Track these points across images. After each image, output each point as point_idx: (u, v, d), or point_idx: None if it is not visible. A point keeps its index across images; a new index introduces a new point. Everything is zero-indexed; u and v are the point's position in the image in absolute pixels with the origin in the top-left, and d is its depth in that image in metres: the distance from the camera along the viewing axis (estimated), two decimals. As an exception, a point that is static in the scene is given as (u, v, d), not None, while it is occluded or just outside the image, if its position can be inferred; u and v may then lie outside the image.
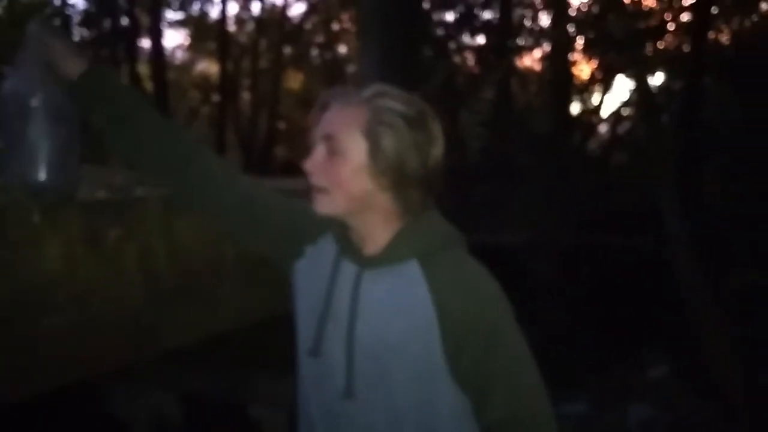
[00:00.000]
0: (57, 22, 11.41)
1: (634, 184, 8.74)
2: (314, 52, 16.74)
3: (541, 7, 10.49)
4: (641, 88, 6.62)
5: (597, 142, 11.52)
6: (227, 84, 14.66)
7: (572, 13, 8.87)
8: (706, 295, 5.00)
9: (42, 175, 1.23)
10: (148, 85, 12.83)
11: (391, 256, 1.15)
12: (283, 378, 2.57)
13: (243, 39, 16.38)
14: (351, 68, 15.88)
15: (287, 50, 16.08)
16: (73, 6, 11.97)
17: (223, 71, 14.51)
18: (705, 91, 8.57)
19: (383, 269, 1.15)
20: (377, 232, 1.17)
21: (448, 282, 1.13)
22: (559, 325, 6.20)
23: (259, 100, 15.60)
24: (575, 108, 10.55)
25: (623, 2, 7.50)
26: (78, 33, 11.58)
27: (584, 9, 8.72)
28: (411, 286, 1.13)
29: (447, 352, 1.11)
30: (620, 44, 6.77)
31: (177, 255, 1.55)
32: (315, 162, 1.14)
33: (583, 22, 8.50)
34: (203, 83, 16.90)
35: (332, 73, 15.61)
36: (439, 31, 10.10)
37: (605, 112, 11.13)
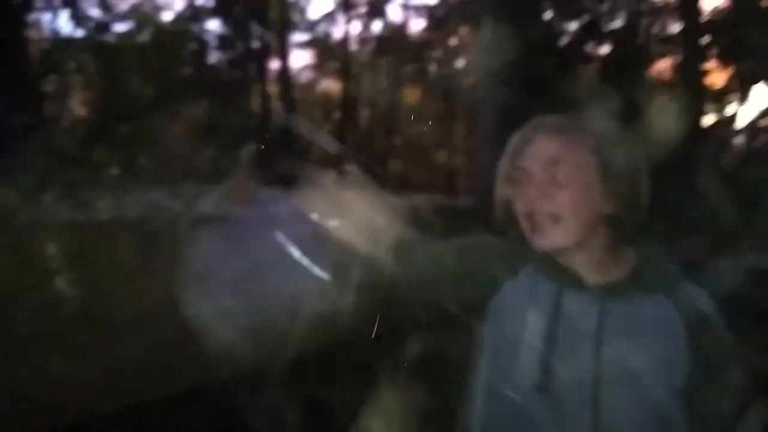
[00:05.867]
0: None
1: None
2: (432, 67, 16.91)
3: (671, 14, 9.98)
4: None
5: (731, 156, 10.73)
6: (347, 101, 15.16)
7: (705, 19, 8.38)
8: None
9: None
10: (276, 104, 13.54)
11: (634, 286, 1.11)
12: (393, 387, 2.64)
13: (364, 58, 16.86)
14: (469, 81, 15.86)
15: (406, 67, 16.36)
16: (209, 31, 12.92)
17: (345, 89, 15.02)
18: None
19: (625, 300, 1.11)
20: (602, 261, 1.13)
21: (695, 311, 1.10)
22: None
23: (377, 117, 15.97)
24: (708, 119, 9.90)
25: (761, 5, 7.00)
26: (214, 56, 12.47)
27: (718, 15, 8.21)
28: (660, 316, 1.10)
29: (689, 377, 1.09)
30: (760, 51, 6.31)
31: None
32: (540, 191, 1.10)
33: (718, 28, 7.99)
34: (325, 101, 17.57)
35: (450, 88, 15.66)
36: (562, 42, 9.87)
37: (741, 123, 10.36)
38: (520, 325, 1.15)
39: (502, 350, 1.18)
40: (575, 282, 1.13)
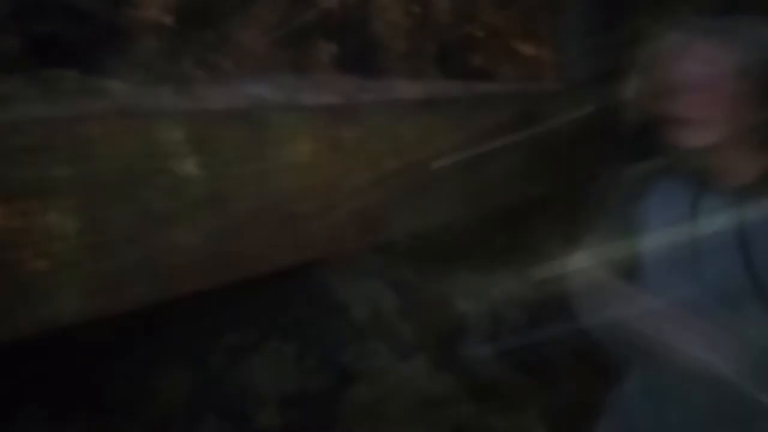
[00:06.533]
0: None
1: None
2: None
3: None
4: None
5: None
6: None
7: None
8: None
9: None
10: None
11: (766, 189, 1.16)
12: (485, 273, 2.72)
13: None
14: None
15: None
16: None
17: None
18: None
19: (759, 201, 1.14)
20: (743, 163, 1.18)
21: None
22: None
23: (455, 8, 15.37)
24: None
25: None
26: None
27: None
28: None
29: None
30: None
31: (401, 155, 1.74)
32: (695, 95, 1.14)
33: None
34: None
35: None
36: None
37: None
38: (661, 228, 1.21)
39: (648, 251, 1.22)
40: (712, 184, 1.19)
